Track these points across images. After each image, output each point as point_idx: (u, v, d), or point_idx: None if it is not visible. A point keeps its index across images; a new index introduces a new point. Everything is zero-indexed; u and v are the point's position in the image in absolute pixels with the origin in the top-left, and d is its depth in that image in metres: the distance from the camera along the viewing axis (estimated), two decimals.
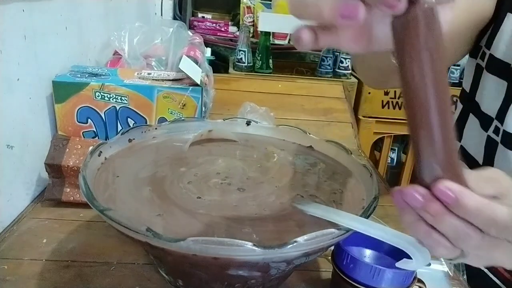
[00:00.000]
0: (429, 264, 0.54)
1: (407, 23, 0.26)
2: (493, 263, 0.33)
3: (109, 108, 0.69)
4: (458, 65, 1.66)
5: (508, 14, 0.55)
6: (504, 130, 0.57)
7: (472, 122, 0.65)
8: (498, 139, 0.58)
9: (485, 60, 0.59)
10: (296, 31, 0.27)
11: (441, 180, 0.29)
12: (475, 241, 0.30)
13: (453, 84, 1.67)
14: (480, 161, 0.63)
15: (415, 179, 0.31)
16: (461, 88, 0.68)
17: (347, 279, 0.43)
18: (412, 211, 0.31)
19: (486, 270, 0.63)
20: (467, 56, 0.65)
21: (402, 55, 0.27)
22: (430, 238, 0.31)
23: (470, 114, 0.65)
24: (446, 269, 0.55)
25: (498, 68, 0.57)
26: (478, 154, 0.63)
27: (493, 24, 0.58)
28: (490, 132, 0.60)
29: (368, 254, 0.48)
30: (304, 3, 0.26)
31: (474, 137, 0.64)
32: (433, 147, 0.28)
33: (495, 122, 0.59)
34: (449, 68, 1.69)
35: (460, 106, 0.68)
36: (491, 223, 0.29)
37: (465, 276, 0.54)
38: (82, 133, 0.70)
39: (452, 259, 0.32)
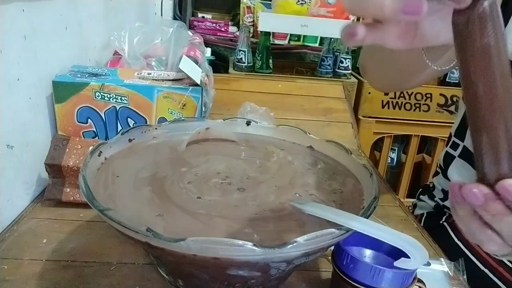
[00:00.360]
0: (429, 264, 0.54)
1: (473, 19, 0.25)
2: None
3: (109, 108, 0.69)
4: None
5: None
6: None
7: None
8: None
9: None
10: (349, 27, 0.27)
11: (507, 178, 0.28)
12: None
13: (454, 84, 1.68)
14: None
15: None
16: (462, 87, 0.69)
17: (347, 279, 0.43)
18: (467, 206, 0.30)
19: (486, 270, 0.63)
20: None
21: (465, 54, 0.26)
22: (483, 234, 0.31)
23: None
24: (446, 269, 0.55)
25: None
26: None
27: None
28: None
29: (368, 254, 0.48)
30: None
31: None
32: (498, 146, 0.28)
33: None
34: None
35: (463, 107, 0.69)
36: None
37: (465, 276, 0.54)
38: (82, 133, 0.70)
39: (502, 255, 0.32)
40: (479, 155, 0.29)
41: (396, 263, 0.39)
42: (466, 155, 0.68)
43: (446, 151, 0.74)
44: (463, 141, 0.70)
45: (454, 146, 0.72)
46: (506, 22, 0.57)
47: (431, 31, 0.29)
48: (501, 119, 0.27)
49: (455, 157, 0.71)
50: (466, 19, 0.25)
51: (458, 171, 0.70)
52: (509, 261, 0.63)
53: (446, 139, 0.78)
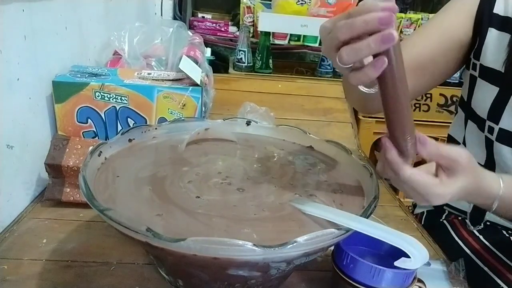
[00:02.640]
0: (429, 264, 0.54)
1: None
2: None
3: (109, 108, 0.69)
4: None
5: (490, 28, 0.62)
6: (500, 128, 0.62)
7: (471, 127, 0.69)
8: (493, 137, 0.63)
9: (477, 69, 0.65)
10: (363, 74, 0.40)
11: (387, 140, 0.44)
12: (392, 179, 0.46)
13: (454, 84, 1.68)
14: (482, 162, 0.65)
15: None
16: (461, 87, 0.73)
17: (347, 279, 0.43)
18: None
19: (486, 269, 0.64)
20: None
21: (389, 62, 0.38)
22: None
23: (469, 120, 0.69)
24: (446, 269, 0.55)
25: (490, 74, 0.63)
26: (480, 155, 0.67)
27: (478, 39, 0.64)
28: (486, 132, 0.65)
29: (368, 254, 0.48)
30: (357, 52, 0.37)
31: (475, 141, 0.68)
32: (401, 123, 0.42)
33: (488, 123, 0.64)
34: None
35: (461, 113, 0.73)
36: (396, 174, 0.44)
37: (465, 276, 0.54)
38: (82, 133, 0.70)
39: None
40: (389, 127, 0.43)
41: (396, 263, 0.39)
42: None
43: None
44: (466, 146, 0.70)
45: None
46: (483, 38, 0.63)
47: None
48: (402, 108, 0.41)
49: None
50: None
51: None
52: (508, 259, 0.63)
53: (446, 139, 0.78)
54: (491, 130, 0.63)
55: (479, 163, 0.65)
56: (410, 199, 0.51)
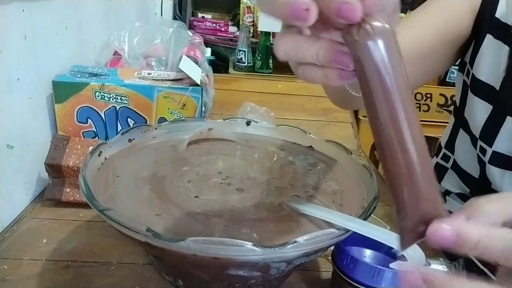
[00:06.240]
0: (429, 264, 0.54)
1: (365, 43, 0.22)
2: None
3: (109, 108, 0.69)
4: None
5: (487, 35, 0.55)
6: (493, 151, 0.57)
7: (463, 137, 0.65)
8: (485, 159, 0.59)
9: (470, 78, 0.60)
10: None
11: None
12: None
13: (454, 84, 1.67)
14: (476, 175, 0.63)
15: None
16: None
17: (347, 279, 0.43)
18: None
19: (486, 270, 0.63)
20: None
21: (362, 83, 0.24)
22: None
23: (460, 129, 0.65)
24: (446, 269, 0.55)
25: (482, 90, 0.57)
26: (472, 169, 0.64)
27: (474, 41, 0.58)
28: (478, 151, 0.60)
29: (368, 254, 0.48)
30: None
31: (467, 153, 0.64)
32: (416, 191, 0.25)
33: (480, 142, 0.59)
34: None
35: (453, 119, 0.69)
36: None
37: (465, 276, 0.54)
38: (82, 133, 0.70)
39: None
40: (397, 202, 0.26)
41: (392, 265, 0.39)
42: (458, 168, 0.68)
43: (437, 162, 0.72)
44: (453, 154, 0.69)
45: (446, 158, 0.71)
46: (480, 43, 0.56)
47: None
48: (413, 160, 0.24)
49: (448, 169, 0.70)
50: (359, 42, 0.22)
51: (452, 184, 0.69)
52: None
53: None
54: (483, 151, 0.58)
55: (472, 176, 0.64)
56: None
